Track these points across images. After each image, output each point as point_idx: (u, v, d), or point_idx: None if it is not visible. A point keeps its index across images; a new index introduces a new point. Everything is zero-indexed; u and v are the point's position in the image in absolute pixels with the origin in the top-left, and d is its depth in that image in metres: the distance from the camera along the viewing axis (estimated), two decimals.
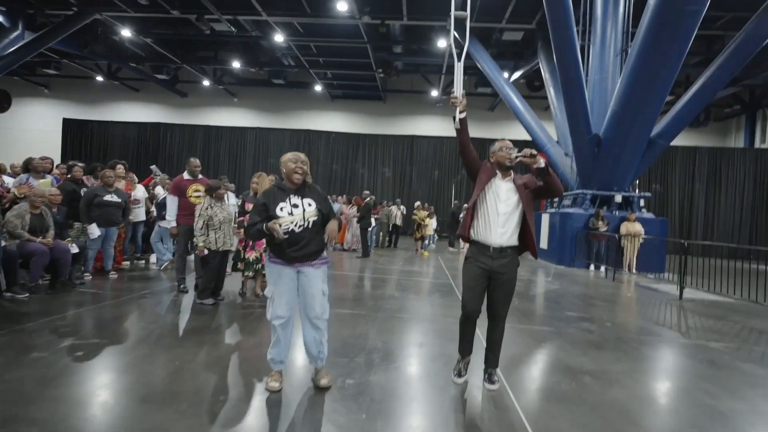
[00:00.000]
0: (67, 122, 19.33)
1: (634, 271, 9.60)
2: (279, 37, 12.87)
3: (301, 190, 2.63)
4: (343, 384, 2.73)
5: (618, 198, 10.33)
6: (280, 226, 2.48)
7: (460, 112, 2.67)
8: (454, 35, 3.02)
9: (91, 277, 5.54)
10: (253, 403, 2.42)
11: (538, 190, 2.72)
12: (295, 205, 2.57)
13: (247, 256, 4.98)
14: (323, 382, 2.62)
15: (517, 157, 2.64)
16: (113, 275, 5.78)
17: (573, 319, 4.90)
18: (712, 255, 8.11)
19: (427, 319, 4.56)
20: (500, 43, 13.47)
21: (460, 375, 2.88)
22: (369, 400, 2.52)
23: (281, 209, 2.54)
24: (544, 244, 11.56)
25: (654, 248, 9.81)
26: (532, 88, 15.89)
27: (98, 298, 4.64)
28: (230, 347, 3.37)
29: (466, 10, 2.91)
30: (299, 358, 3.07)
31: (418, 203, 12.78)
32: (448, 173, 18.42)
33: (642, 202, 10.86)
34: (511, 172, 2.79)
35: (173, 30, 13.32)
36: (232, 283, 5.76)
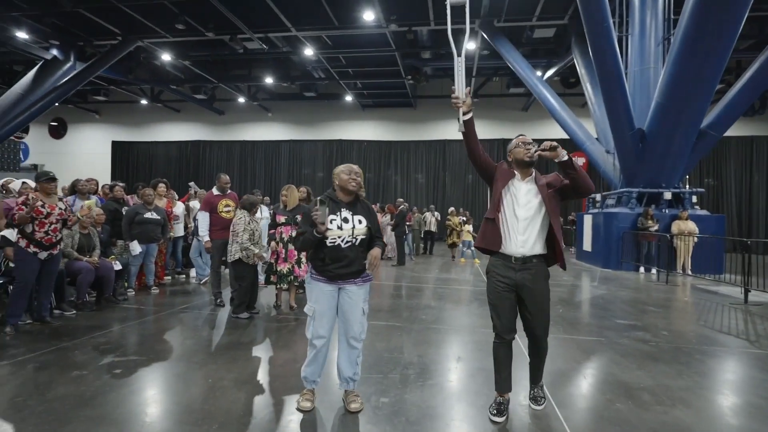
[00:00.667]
0: (115, 144, 20.49)
1: (689, 272, 8.96)
2: (308, 51, 13.11)
3: (353, 205, 2.55)
4: (377, 403, 2.60)
5: (667, 195, 9.69)
6: (328, 239, 2.42)
7: (464, 114, 2.39)
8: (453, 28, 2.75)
9: (134, 292, 5.73)
10: (283, 423, 2.34)
11: (564, 189, 2.40)
12: (346, 220, 2.48)
13: (279, 269, 4.97)
14: (353, 406, 2.49)
15: (536, 151, 2.33)
16: (155, 290, 5.95)
17: (624, 327, 4.56)
18: None
19: (465, 331, 4.36)
20: (532, 41, 13.09)
21: (500, 413, 2.46)
22: (404, 421, 2.38)
23: (331, 221, 2.45)
24: (587, 246, 11.02)
25: (711, 247, 9.11)
26: (567, 85, 15.34)
27: (139, 314, 4.76)
28: (263, 363, 3.33)
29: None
30: (332, 376, 2.96)
31: (452, 209, 12.54)
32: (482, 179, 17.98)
33: (694, 199, 10.13)
34: (533, 171, 2.46)
35: (209, 51, 13.86)
36: (267, 296, 5.80)
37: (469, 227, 11.71)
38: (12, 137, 17.39)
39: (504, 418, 2.46)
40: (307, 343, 2.57)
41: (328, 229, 2.40)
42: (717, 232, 9.50)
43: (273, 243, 4.99)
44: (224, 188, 5.51)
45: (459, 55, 2.47)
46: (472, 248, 11.31)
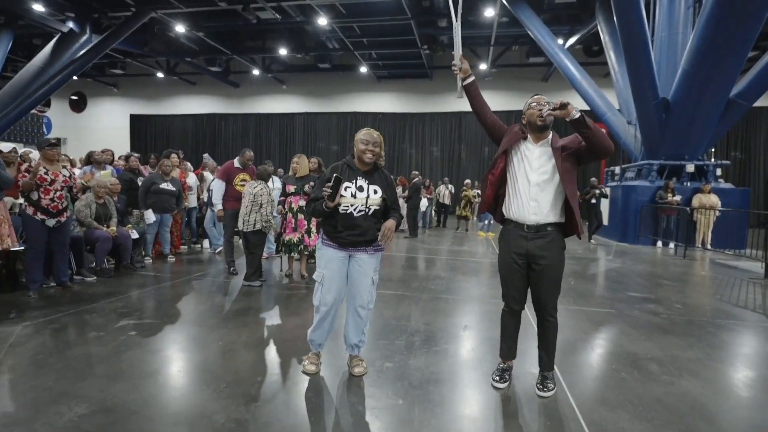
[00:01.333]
0: (133, 117, 20.73)
1: (709, 247, 8.73)
2: (322, 21, 12.83)
3: (370, 174, 2.46)
4: (381, 367, 2.65)
5: (690, 167, 9.36)
6: (340, 206, 2.36)
7: (463, 80, 2.33)
8: None
9: (151, 260, 5.90)
10: (288, 385, 2.41)
11: (580, 151, 2.22)
12: (360, 188, 2.40)
13: (289, 238, 5.02)
14: (357, 370, 2.52)
15: (547, 111, 2.15)
16: (171, 259, 6.11)
17: (636, 300, 4.50)
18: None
19: (474, 301, 4.37)
20: (554, 7, 12.51)
21: (502, 379, 2.46)
22: (407, 385, 2.42)
23: (345, 189, 2.39)
24: (605, 220, 10.80)
25: (733, 222, 8.83)
26: (589, 53, 14.73)
27: (155, 281, 4.91)
28: (273, 328, 3.41)
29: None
30: (339, 340, 3.01)
31: (467, 181, 12.37)
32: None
33: (719, 171, 9.76)
34: (549, 134, 2.30)
35: (222, 22, 13.70)
36: (279, 264, 5.89)
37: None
38: (35, 111, 17.79)
39: (506, 384, 2.46)
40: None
41: (338, 203, 2.36)
42: (741, 206, 9.18)
43: (280, 207, 5.05)
44: (246, 164, 5.53)
45: (457, 20, 2.43)
46: (489, 221, 11.20)
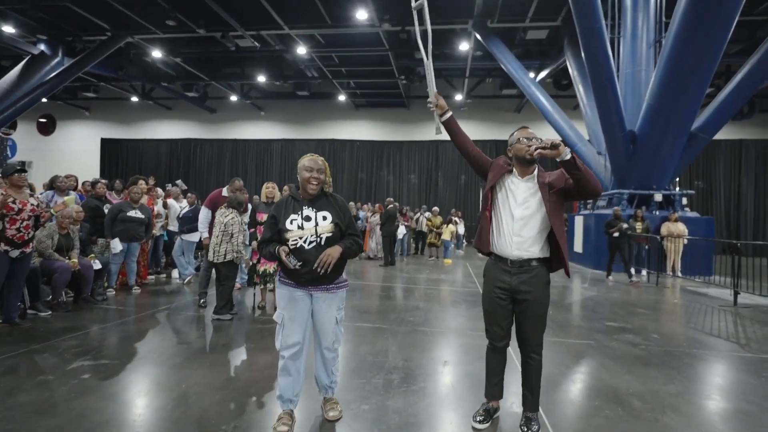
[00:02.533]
0: (104, 141, 20.19)
1: (678, 274, 8.95)
2: (302, 50, 12.98)
3: (317, 201, 2.28)
4: (357, 410, 2.50)
5: (658, 196, 9.71)
6: (289, 241, 2.19)
7: (441, 116, 2.31)
8: (421, 30, 2.49)
9: (114, 292, 5.57)
10: None
11: (567, 190, 2.17)
12: (308, 218, 2.23)
13: (264, 269, 4.85)
14: (331, 414, 2.35)
15: (536, 149, 2.06)
16: (136, 290, 5.79)
17: (614, 330, 4.49)
18: (765, 255, 7.43)
19: (453, 333, 4.27)
20: (525, 42, 13.07)
21: (485, 420, 2.37)
22: (385, 429, 2.28)
23: (291, 222, 2.21)
24: (578, 248, 11.00)
25: (700, 249, 9.13)
26: (559, 87, 15.34)
27: (117, 315, 4.62)
28: (242, 367, 3.21)
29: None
30: (311, 379, 2.82)
31: (434, 208, 12.48)
32: (476, 178, 17.92)
33: (684, 201, 10.16)
34: (535, 168, 2.27)
35: (201, 48, 13.66)
36: (252, 296, 5.68)
37: (452, 227, 11.66)
38: None
39: (487, 425, 2.36)
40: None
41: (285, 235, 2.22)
42: (706, 234, 9.52)
43: (254, 243, 4.89)
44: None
45: (428, 58, 2.40)
46: (451, 248, 11.30)
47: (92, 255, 5.19)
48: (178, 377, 2.92)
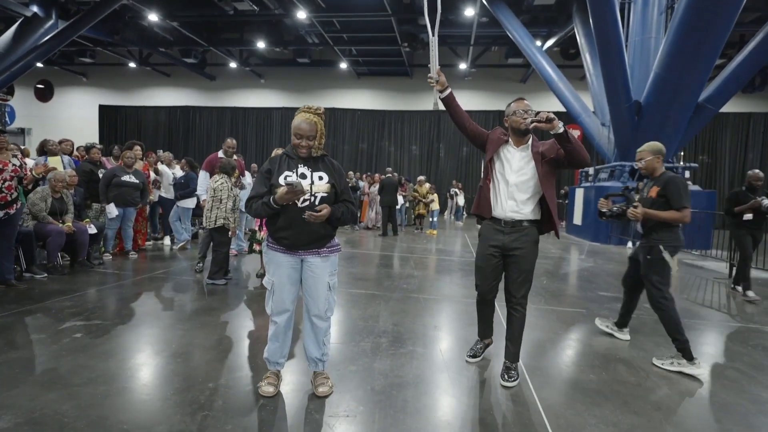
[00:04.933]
0: (103, 108, 19.95)
1: None
2: (302, 14, 12.58)
3: (312, 161, 2.18)
4: (344, 371, 2.53)
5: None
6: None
7: (440, 92, 2.42)
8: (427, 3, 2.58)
9: (111, 257, 5.61)
10: (242, 392, 2.25)
11: (558, 159, 2.37)
12: (303, 176, 2.12)
13: (263, 236, 4.84)
14: (321, 390, 2.23)
15: (532, 121, 2.27)
16: (133, 255, 5.83)
17: (607, 299, 4.51)
18: (765, 229, 7.34)
19: (447, 300, 4.30)
20: (532, 9, 12.61)
21: (474, 356, 2.75)
22: (369, 390, 2.31)
23: (285, 178, 2.08)
24: (578, 220, 10.97)
25: (699, 223, 9.06)
26: (566, 56, 14.91)
27: (112, 278, 4.65)
28: (232, 329, 3.24)
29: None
30: (302, 351, 2.81)
31: (420, 177, 11.64)
32: (477, 149, 17.74)
33: (687, 174, 10.03)
34: (529, 138, 2.47)
35: (198, 12, 13.26)
36: (249, 263, 5.71)
37: (434, 196, 11.28)
38: None
39: (478, 359, 2.74)
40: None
41: (294, 191, 2.01)
42: (708, 208, 9.44)
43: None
44: (228, 153, 5.44)
45: (434, 35, 2.40)
46: (434, 218, 11.10)
47: (87, 219, 5.18)
48: (168, 337, 2.95)
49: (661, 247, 2.90)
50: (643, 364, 2.82)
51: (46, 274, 4.51)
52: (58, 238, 4.59)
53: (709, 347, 3.28)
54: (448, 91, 2.45)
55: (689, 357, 2.71)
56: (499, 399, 2.30)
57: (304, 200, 2.10)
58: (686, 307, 4.33)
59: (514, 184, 2.42)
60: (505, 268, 2.55)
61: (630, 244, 9.24)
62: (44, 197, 4.75)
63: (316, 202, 2.12)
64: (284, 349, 2.28)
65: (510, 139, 2.47)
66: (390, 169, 11.17)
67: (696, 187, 9.95)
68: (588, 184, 11.06)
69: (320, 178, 2.17)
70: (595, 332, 3.44)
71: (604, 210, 3.26)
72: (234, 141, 5.58)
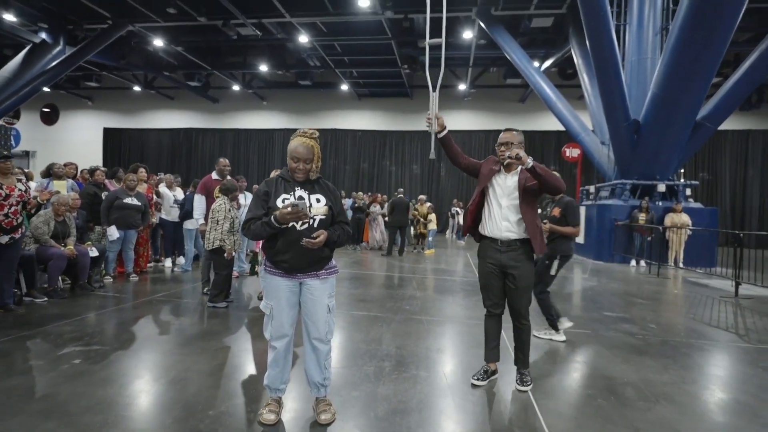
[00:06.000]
0: (107, 131, 20.22)
1: (680, 265, 8.87)
2: (303, 38, 12.86)
3: (308, 184, 2.20)
4: (347, 396, 2.48)
5: (661, 187, 9.59)
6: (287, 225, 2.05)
7: (438, 134, 2.63)
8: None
9: (111, 280, 5.58)
10: (240, 419, 2.21)
11: (536, 188, 2.59)
12: (300, 198, 2.09)
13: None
14: (324, 417, 2.17)
15: (506, 159, 2.54)
16: (134, 278, 5.80)
17: (612, 320, 4.45)
18: None
19: (449, 322, 4.24)
20: (530, 31, 12.85)
21: (479, 379, 2.75)
22: (372, 417, 2.26)
23: (283, 201, 2.10)
24: (580, 238, 10.92)
25: (703, 241, 9.03)
26: (564, 76, 15.13)
27: (113, 302, 4.62)
28: (233, 354, 3.20)
29: (441, 36, 2.79)
30: (302, 376, 2.74)
31: (421, 197, 11.54)
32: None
33: (688, 191, 10.04)
34: (519, 167, 2.64)
35: (202, 37, 13.58)
36: (253, 285, 5.67)
37: (433, 216, 11.08)
38: (2, 122, 17.14)
39: (485, 383, 2.71)
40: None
41: (295, 213, 2.00)
42: (710, 226, 9.41)
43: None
44: (223, 172, 5.44)
45: (434, 90, 2.60)
46: (431, 238, 10.94)
47: (89, 242, 5.19)
48: (168, 363, 2.91)
49: (556, 259, 3.61)
50: (651, 387, 2.76)
51: (46, 298, 4.48)
52: (59, 262, 4.58)
53: (719, 369, 3.22)
54: (446, 131, 2.65)
55: (556, 329, 3.69)
56: (506, 425, 2.25)
57: (303, 223, 2.10)
58: (692, 327, 4.27)
59: (506, 206, 2.64)
60: (506, 287, 2.71)
61: (633, 262, 9.18)
62: (47, 221, 4.76)
63: (315, 225, 2.13)
64: (284, 374, 2.24)
65: (502, 167, 2.69)
66: (401, 189, 11.11)
67: (698, 204, 9.92)
68: (590, 203, 11.07)
69: (318, 200, 2.18)
70: (601, 354, 3.38)
71: None
72: (225, 160, 5.55)
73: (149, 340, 3.41)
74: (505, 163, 2.61)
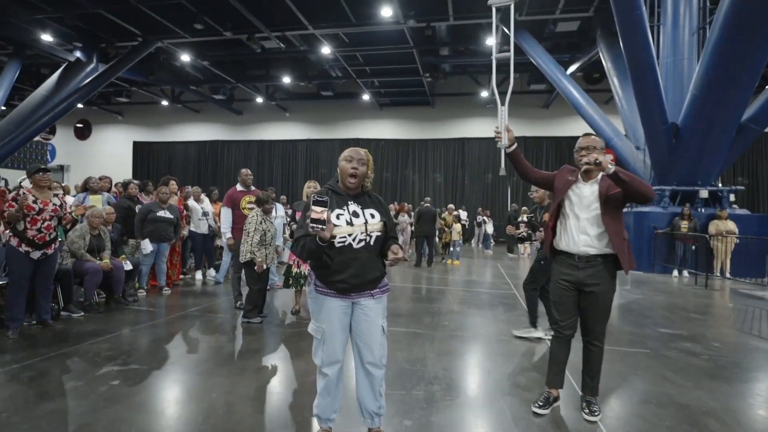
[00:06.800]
0: (137, 145, 20.76)
1: (727, 275, 8.37)
2: (326, 50, 12.91)
3: (360, 198, 2.06)
4: (400, 426, 2.30)
5: (704, 193, 9.11)
6: (336, 238, 1.92)
7: (507, 148, 2.56)
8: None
9: (145, 293, 5.56)
10: None
11: (620, 196, 2.35)
12: (355, 213, 1.98)
13: (298, 270, 4.70)
14: None
15: (585, 164, 2.35)
16: (166, 291, 5.77)
17: (669, 337, 4.14)
18: None
19: (492, 339, 4.02)
20: (554, 35, 12.60)
21: (541, 406, 2.51)
22: None
23: (338, 217, 1.95)
24: None
25: (752, 249, 8.50)
26: (590, 81, 14.75)
27: (147, 317, 4.56)
28: (274, 374, 3.06)
29: (509, 50, 2.73)
30: (351, 402, 2.47)
31: (450, 206, 11.34)
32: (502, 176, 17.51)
33: (732, 197, 9.52)
34: (599, 174, 2.43)
35: (227, 51, 13.81)
36: (283, 297, 5.57)
37: (458, 226, 10.84)
38: (39, 138, 17.81)
39: (548, 411, 2.49)
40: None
41: (334, 234, 1.90)
42: (759, 233, 8.87)
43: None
44: (246, 182, 5.34)
45: (503, 104, 2.55)
46: (458, 248, 10.68)
47: (123, 256, 5.18)
48: (207, 385, 2.79)
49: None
50: (735, 417, 2.48)
51: (82, 313, 4.46)
52: (95, 276, 4.56)
53: None
54: (515, 146, 2.55)
55: (535, 326, 3.94)
56: None
57: (360, 240, 1.97)
58: (758, 346, 3.91)
59: (586, 218, 2.42)
60: (581, 304, 2.49)
61: (675, 272, 8.73)
62: (83, 235, 4.77)
63: (371, 243, 1.99)
64: (336, 403, 2.08)
65: (579, 175, 2.48)
66: (429, 199, 10.91)
67: (744, 211, 9.40)
68: (626, 210, 10.63)
69: (372, 216, 2.03)
70: (668, 378, 3.09)
71: (512, 234, 4.02)
72: (248, 171, 5.44)
73: (186, 359, 3.31)
74: (583, 170, 2.39)
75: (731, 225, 8.53)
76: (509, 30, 2.80)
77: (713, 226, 8.55)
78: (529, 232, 3.95)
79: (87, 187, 5.66)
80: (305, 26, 11.57)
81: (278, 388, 2.79)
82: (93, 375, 2.89)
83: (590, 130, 11.79)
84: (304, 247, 1.93)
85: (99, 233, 4.92)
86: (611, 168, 2.22)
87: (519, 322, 4.51)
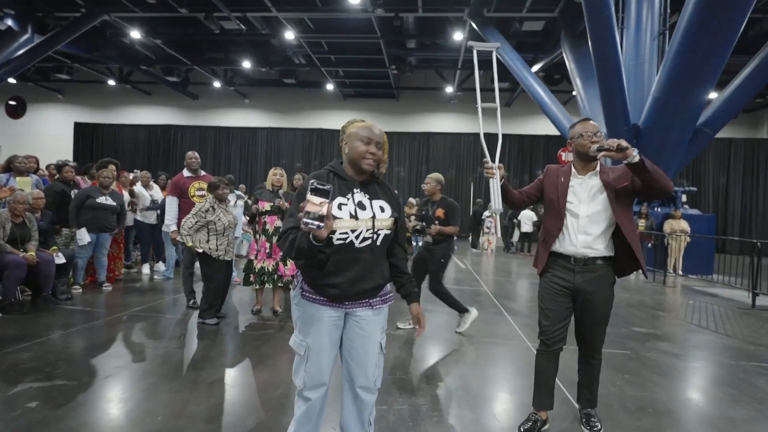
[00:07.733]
0: (78, 126, 19.17)
1: (680, 272, 8.76)
2: (289, 35, 12.32)
3: (370, 186, 1.67)
4: None
5: None
6: (335, 233, 1.53)
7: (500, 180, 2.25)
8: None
9: (81, 290, 4.91)
10: None
11: (634, 188, 2.05)
12: (361, 205, 1.60)
13: (261, 266, 4.26)
14: None
15: (599, 148, 1.97)
16: (107, 287, 5.13)
17: (644, 336, 4.09)
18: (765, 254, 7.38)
19: (478, 342, 3.79)
20: (519, 34, 12.71)
21: (530, 430, 2.18)
22: None
23: (340, 207, 1.56)
24: None
25: (702, 248, 8.94)
26: (551, 81, 14.98)
27: (82, 318, 3.98)
28: (233, 387, 2.66)
29: (495, 101, 2.50)
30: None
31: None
32: (466, 171, 17.64)
33: (684, 198, 9.98)
34: (597, 164, 2.16)
35: (183, 30, 12.89)
36: (239, 295, 5.11)
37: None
38: None
39: None
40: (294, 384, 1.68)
41: (332, 230, 1.51)
42: (707, 232, 9.33)
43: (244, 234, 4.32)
44: (192, 165, 4.79)
45: (493, 160, 2.23)
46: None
47: (54, 247, 4.53)
48: (152, 405, 2.34)
49: (452, 255, 3.96)
50: (734, 427, 2.37)
51: (1, 314, 3.81)
52: (17, 271, 3.91)
53: None
54: (502, 181, 2.22)
55: (464, 311, 3.94)
56: None
57: (364, 238, 1.57)
58: (743, 348, 3.88)
59: (586, 216, 2.11)
60: (576, 312, 2.20)
61: None
62: (2, 223, 4.09)
63: (378, 242, 1.60)
64: (318, 430, 1.70)
65: (574, 167, 2.19)
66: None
67: (695, 211, 9.85)
68: None
69: (382, 209, 1.63)
70: (659, 384, 2.96)
71: (407, 228, 4.01)
72: (195, 153, 4.92)
73: (127, 371, 2.82)
74: (599, 156, 1.99)
75: (684, 224, 8.89)
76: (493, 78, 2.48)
77: (668, 225, 8.88)
78: (423, 224, 3.97)
79: (11, 167, 4.92)
80: (268, 8, 10.92)
81: (238, 408, 2.39)
82: (3, 395, 2.37)
83: (554, 130, 11.98)
84: (293, 243, 1.49)
85: (23, 221, 4.25)
86: (636, 156, 1.88)
87: (503, 324, 4.33)
